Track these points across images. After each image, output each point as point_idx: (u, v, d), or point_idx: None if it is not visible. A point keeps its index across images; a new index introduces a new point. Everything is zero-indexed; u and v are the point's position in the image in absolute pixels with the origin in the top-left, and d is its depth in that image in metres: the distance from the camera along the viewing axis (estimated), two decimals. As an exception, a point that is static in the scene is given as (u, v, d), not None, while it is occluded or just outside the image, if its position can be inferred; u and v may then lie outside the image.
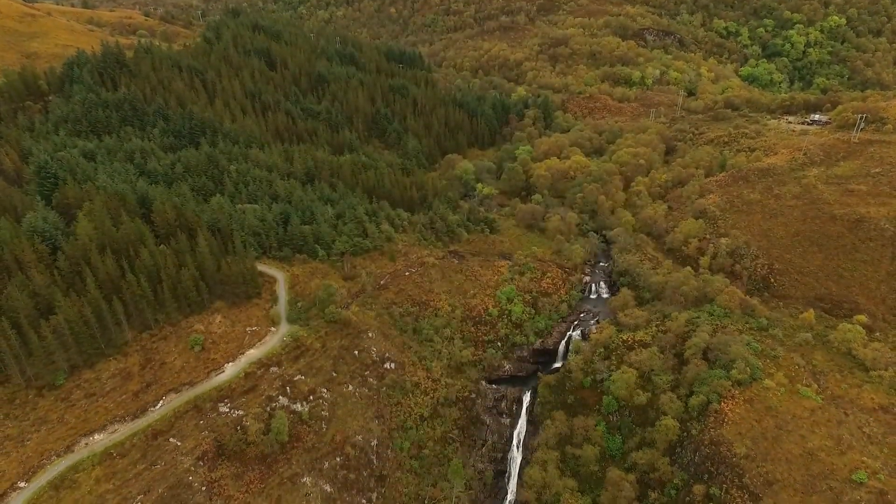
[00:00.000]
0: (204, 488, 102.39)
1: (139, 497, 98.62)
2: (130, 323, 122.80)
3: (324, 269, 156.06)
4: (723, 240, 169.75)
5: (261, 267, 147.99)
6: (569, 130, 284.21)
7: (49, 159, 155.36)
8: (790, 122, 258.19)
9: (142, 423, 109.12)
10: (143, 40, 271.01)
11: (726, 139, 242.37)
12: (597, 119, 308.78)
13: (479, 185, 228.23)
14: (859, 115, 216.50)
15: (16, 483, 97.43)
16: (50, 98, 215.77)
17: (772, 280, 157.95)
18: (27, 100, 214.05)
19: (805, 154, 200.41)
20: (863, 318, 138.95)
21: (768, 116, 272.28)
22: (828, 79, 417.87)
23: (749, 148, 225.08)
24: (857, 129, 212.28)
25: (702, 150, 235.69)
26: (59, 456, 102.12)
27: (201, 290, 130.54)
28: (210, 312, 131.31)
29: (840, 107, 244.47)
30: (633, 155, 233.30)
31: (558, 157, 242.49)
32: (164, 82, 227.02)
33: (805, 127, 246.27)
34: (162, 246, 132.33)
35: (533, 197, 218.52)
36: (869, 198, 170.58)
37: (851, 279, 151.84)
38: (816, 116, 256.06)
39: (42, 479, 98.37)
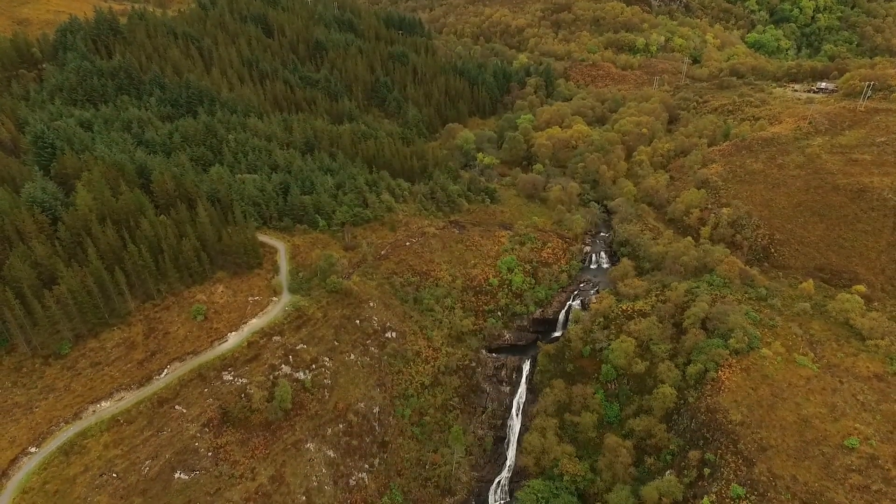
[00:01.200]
0: (210, 454, 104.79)
1: (147, 462, 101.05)
2: (133, 293, 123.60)
3: (324, 240, 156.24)
4: (724, 210, 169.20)
5: (261, 237, 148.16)
6: (571, 99, 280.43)
7: (45, 129, 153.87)
8: (796, 91, 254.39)
9: (147, 391, 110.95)
10: (136, 6, 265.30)
11: (730, 108, 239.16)
12: (599, 87, 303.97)
13: (480, 155, 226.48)
14: (866, 83, 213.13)
15: (27, 448, 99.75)
16: (44, 66, 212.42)
17: (772, 250, 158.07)
18: (20, 68, 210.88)
19: (810, 123, 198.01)
20: (862, 288, 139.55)
21: (774, 84, 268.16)
22: (836, 45, 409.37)
23: (753, 117, 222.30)
24: (863, 97, 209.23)
25: (705, 119, 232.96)
26: (67, 423, 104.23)
27: (202, 260, 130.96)
28: (212, 282, 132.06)
29: (847, 74, 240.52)
30: (636, 124, 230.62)
31: (560, 127, 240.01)
32: (160, 50, 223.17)
33: (811, 95, 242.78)
34: (162, 216, 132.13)
35: (534, 167, 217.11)
36: (873, 167, 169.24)
37: (852, 249, 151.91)
38: (823, 84, 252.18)
39: (52, 444, 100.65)
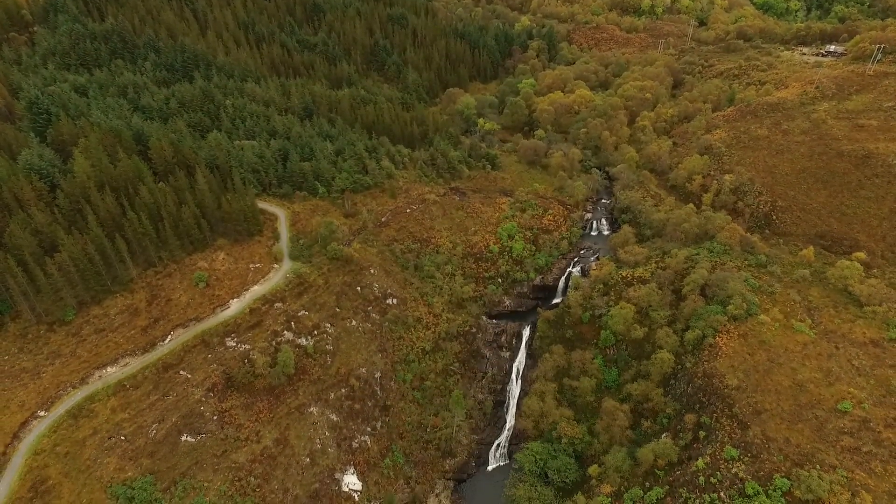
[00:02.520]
0: (215, 417, 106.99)
1: (154, 425, 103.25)
2: (134, 260, 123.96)
3: (324, 207, 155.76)
4: (727, 176, 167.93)
5: (261, 204, 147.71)
6: (574, 63, 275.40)
7: (40, 94, 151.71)
8: (804, 54, 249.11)
9: (152, 356, 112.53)
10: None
11: (736, 72, 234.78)
12: (603, 51, 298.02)
13: (481, 121, 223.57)
14: (877, 46, 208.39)
15: (36, 412, 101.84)
16: (35, 29, 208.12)
17: (774, 217, 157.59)
18: (11, 31, 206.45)
19: (817, 88, 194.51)
20: (862, 255, 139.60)
21: (782, 48, 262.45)
22: (847, 6, 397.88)
23: (759, 81, 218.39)
24: (873, 61, 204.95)
25: (710, 84, 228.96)
26: (74, 387, 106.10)
27: (203, 227, 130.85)
28: (213, 250, 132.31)
29: (857, 37, 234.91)
30: (640, 89, 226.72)
31: (562, 91, 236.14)
32: (153, 12, 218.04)
33: (819, 59, 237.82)
34: (161, 183, 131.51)
35: (535, 132, 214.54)
36: (879, 133, 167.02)
37: (854, 216, 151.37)
38: (832, 47, 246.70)
39: (60, 408, 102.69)
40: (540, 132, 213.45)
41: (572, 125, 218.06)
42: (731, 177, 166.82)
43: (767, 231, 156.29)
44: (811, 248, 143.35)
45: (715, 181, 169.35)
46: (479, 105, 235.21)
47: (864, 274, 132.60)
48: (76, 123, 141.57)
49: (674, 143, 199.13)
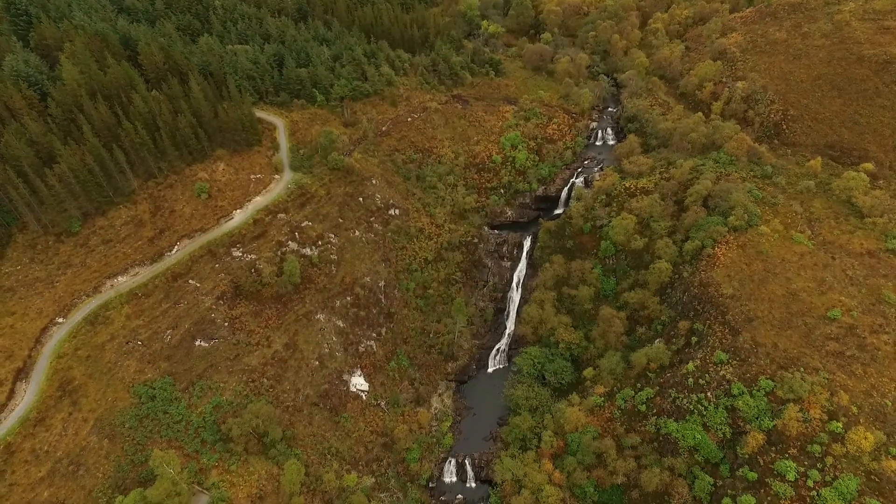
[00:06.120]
0: (227, 324, 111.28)
1: (168, 331, 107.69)
2: (134, 171, 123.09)
3: (323, 115, 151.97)
4: (739, 83, 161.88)
5: (259, 113, 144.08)
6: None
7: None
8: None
9: (161, 266, 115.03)
10: None
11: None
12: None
13: (485, 23, 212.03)
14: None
15: (54, 319, 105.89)
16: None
17: (784, 127, 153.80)
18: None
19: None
20: (869, 165, 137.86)
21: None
22: None
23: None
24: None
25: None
26: (88, 296, 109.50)
27: (200, 137, 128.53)
28: (212, 160, 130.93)
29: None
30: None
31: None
32: None
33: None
34: (154, 91, 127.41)
35: (542, 36, 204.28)
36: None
37: (866, 126, 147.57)
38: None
39: (77, 315, 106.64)
40: (546, 36, 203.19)
41: (581, 28, 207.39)
42: (744, 84, 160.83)
43: (776, 141, 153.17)
44: (818, 158, 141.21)
45: (726, 88, 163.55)
46: (482, 5, 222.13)
47: (869, 185, 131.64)
48: (59, 26, 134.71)
49: (686, 48, 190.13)
